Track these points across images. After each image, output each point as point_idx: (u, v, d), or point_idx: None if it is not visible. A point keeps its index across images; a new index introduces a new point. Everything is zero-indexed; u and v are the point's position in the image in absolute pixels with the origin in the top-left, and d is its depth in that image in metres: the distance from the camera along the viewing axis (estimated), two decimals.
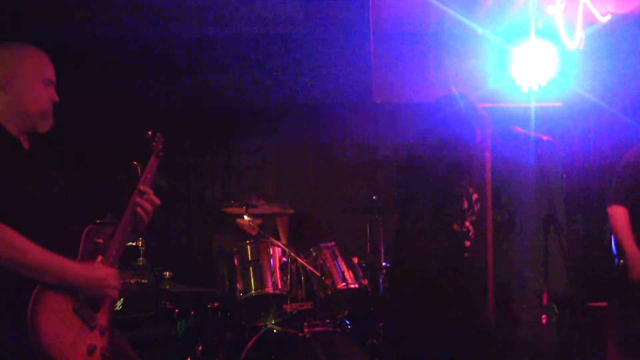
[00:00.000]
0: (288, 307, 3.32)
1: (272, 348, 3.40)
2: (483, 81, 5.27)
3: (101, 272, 1.95)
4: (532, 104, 5.17)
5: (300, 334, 3.26)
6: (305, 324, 3.29)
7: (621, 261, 3.22)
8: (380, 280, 3.97)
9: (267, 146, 5.29)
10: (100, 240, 2.03)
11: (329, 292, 3.47)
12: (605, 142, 4.97)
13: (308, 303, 3.37)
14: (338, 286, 3.49)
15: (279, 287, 3.40)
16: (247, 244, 3.54)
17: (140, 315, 3.57)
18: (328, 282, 3.48)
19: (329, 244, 3.65)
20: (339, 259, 3.60)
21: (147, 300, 3.60)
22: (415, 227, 3.07)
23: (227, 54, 5.27)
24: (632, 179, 3.35)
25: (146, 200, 2.16)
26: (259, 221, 4.04)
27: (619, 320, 3.35)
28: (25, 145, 2.02)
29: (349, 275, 3.56)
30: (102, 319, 1.95)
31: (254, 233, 3.96)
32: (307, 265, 3.46)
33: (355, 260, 3.68)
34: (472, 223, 3.05)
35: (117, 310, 2.14)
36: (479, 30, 5.12)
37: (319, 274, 3.45)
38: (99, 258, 1.99)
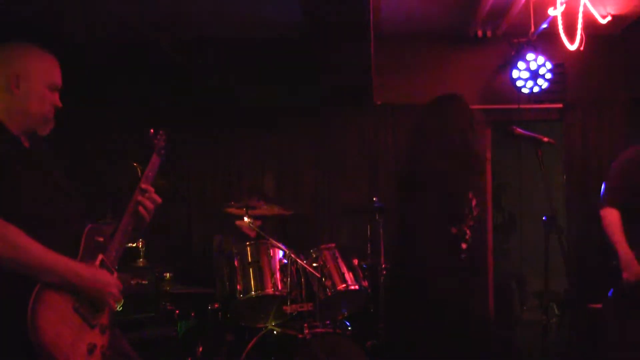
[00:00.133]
0: (288, 309, 3.32)
1: (272, 349, 3.40)
2: (484, 82, 5.28)
3: (105, 277, 1.94)
4: (533, 105, 5.19)
5: (300, 335, 3.26)
6: (306, 325, 3.28)
7: (614, 262, 3.23)
8: (381, 281, 3.97)
9: (268, 147, 5.29)
10: (101, 239, 2.03)
11: (329, 294, 3.47)
12: (605, 143, 4.98)
13: (308, 304, 3.37)
14: (338, 287, 3.49)
15: (279, 288, 3.40)
16: (247, 245, 3.54)
17: (141, 316, 3.57)
18: (328, 283, 3.48)
19: (329, 246, 3.65)
20: (339, 260, 3.60)
21: (147, 301, 3.60)
22: (416, 229, 3.06)
23: (227, 55, 5.28)
24: (624, 181, 3.35)
25: (148, 199, 2.15)
26: (258, 222, 4.04)
27: (613, 321, 3.34)
28: (26, 144, 2.02)
29: (349, 276, 3.56)
30: (102, 317, 1.95)
31: (253, 235, 3.96)
32: (307, 267, 3.46)
33: (356, 261, 3.68)
34: (469, 228, 3.05)
35: (117, 311, 2.13)
36: (480, 31, 5.13)
37: (319, 275, 3.45)
38: (100, 257, 1.98)
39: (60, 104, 2.07)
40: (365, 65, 4.62)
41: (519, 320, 5.62)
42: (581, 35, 4.29)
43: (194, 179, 5.25)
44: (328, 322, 3.56)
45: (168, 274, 3.66)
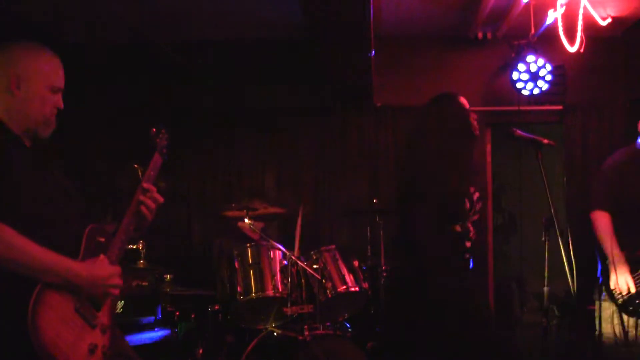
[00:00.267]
0: (288, 310, 3.32)
1: (272, 351, 3.39)
2: (484, 84, 5.28)
3: (103, 270, 1.94)
4: (533, 107, 5.19)
5: (300, 337, 3.26)
6: (306, 327, 3.28)
7: (605, 264, 3.24)
8: (381, 283, 3.97)
9: (268, 148, 5.30)
10: (102, 239, 2.02)
11: (330, 295, 3.47)
12: (606, 145, 4.98)
13: (308, 306, 3.37)
14: (339, 289, 3.49)
15: (280, 289, 3.39)
16: (248, 246, 3.54)
17: (141, 318, 3.57)
18: (328, 285, 3.48)
19: (330, 247, 3.65)
20: (340, 262, 3.60)
21: (147, 302, 3.60)
22: (417, 230, 3.05)
23: (227, 55, 5.28)
24: (614, 183, 3.35)
25: (150, 198, 2.14)
26: (260, 224, 4.04)
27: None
28: (27, 144, 2.02)
29: (349, 278, 3.56)
30: (103, 317, 1.95)
31: (255, 237, 3.96)
32: (308, 269, 3.45)
33: (356, 263, 3.68)
34: (473, 223, 3.04)
35: (117, 312, 2.13)
36: (480, 33, 5.14)
37: (319, 277, 3.45)
38: (101, 257, 1.98)
39: (62, 106, 2.06)
40: (365, 66, 4.62)
41: (519, 321, 5.62)
42: (581, 37, 4.29)
43: (194, 179, 5.26)
44: (328, 323, 3.56)
45: (168, 276, 3.66)
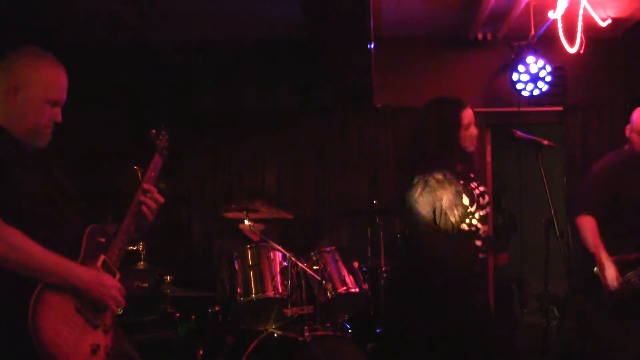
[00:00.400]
0: (289, 311, 3.32)
1: (272, 352, 3.39)
2: (484, 85, 5.29)
3: (107, 280, 1.94)
4: (533, 108, 5.19)
5: (300, 338, 3.26)
6: (306, 328, 3.28)
7: (594, 269, 3.25)
8: (381, 284, 3.97)
9: (268, 149, 5.30)
10: (103, 240, 2.03)
11: (330, 296, 3.47)
12: (606, 146, 4.98)
13: (308, 307, 3.37)
14: (339, 290, 3.49)
15: (280, 291, 3.39)
16: (248, 248, 3.54)
17: (141, 319, 3.57)
18: (328, 286, 3.48)
19: (329, 248, 3.65)
20: (340, 263, 3.60)
21: (147, 304, 3.60)
22: (421, 231, 3.05)
23: (227, 56, 5.29)
24: (601, 188, 3.35)
25: (150, 199, 2.15)
26: (261, 226, 4.04)
27: (599, 326, 3.35)
28: (28, 148, 2.02)
29: (349, 279, 3.56)
30: (105, 318, 1.95)
31: (255, 238, 3.96)
32: (308, 270, 3.45)
33: (356, 264, 3.68)
34: (481, 219, 3.02)
35: (118, 313, 2.13)
36: (480, 34, 5.14)
37: (319, 278, 3.45)
38: (102, 257, 1.98)
39: (60, 119, 2.03)
40: (365, 67, 4.62)
41: (519, 322, 5.61)
42: (581, 38, 4.29)
43: (194, 179, 5.26)
44: (328, 324, 3.56)
45: (168, 277, 3.66)
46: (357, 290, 3.55)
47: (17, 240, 1.76)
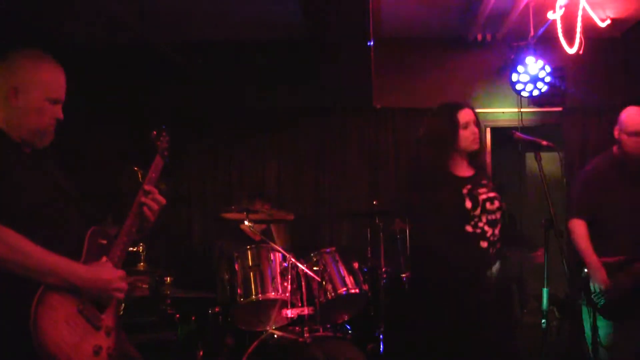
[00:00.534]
0: (288, 312, 3.32)
1: (272, 353, 3.39)
2: (484, 86, 5.29)
3: (107, 274, 1.94)
4: (533, 109, 5.20)
5: (300, 339, 3.25)
6: (306, 329, 3.28)
7: (584, 272, 3.25)
8: (381, 285, 3.97)
9: (268, 150, 5.30)
10: (104, 241, 2.03)
11: (330, 297, 3.47)
12: (605, 147, 4.98)
13: (309, 308, 3.36)
14: (339, 291, 3.48)
15: (280, 292, 3.39)
16: (248, 249, 3.54)
17: (141, 320, 3.57)
18: (329, 287, 3.48)
19: (329, 249, 3.65)
20: (340, 263, 3.60)
21: (147, 305, 3.60)
22: (427, 233, 3.06)
23: (227, 56, 5.29)
24: (588, 192, 3.36)
25: (152, 200, 2.16)
26: (262, 226, 4.04)
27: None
28: (28, 150, 2.03)
29: (349, 280, 3.56)
30: (107, 319, 1.95)
31: (256, 238, 3.96)
32: (308, 271, 3.45)
33: (356, 265, 3.68)
34: (489, 223, 3.03)
35: (119, 314, 2.14)
36: (480, 35, 5.15)
37: (319, 279, 3.45)
38: (103, 259, 1.99)
39: (61, 117, 2.05)
40: (365, 68, 4.63)
41: (519, 323, 5.61)
42: (580, 38, 4.30)
43: (194, 179, 5.26)
44: (328, 325, 3.56)
45: (168, 278, 3.66)
46: (357, 291, 3.55)
47: (16, 241, 1.77)
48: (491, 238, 3.03)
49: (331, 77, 4.91)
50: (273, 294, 3.38)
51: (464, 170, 3.12)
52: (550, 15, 4.27)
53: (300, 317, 3.35)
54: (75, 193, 2.10)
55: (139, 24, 4.64)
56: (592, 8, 4.28)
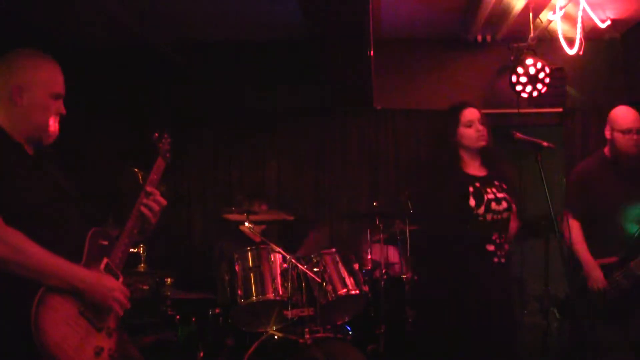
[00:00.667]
0: (289, 313, 3.32)
1: (273, 354, 3.39)
2: (483, 87, 5.29)
3: (109, 281, 1.95)
4: (533, 110, 5.20)
5: (301, 340, 3.26)
6: (306, 330, 3.28)
7: (581, 273, 3.26)
8: (382, 286, 3.97)
9: (268, 150, 5.30)
10: (106, 243, 2.04)
11: (330, 298, 3.47)
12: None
13: (309, 309, 3.37)
14: (339, 292, 3.48)
15: (280, 293, 3.39)
16: (248, 250, 3.54)
17: (142, 322, 3.57)
18: (329, 288, 3.48)
19: (330, 250, 3.65)
20: (340, 265, 3.60)
21: (148, 306, 3.60)
22: (433, 234, 3.09)
23: (227, 57, 5.29)
24: (579, 193, 3.36)
25: (153, 201, 2.17)
26: (261, 227, 4.04)
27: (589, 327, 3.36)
28: (30, 151, 2.04)
29: (349, 281, 3.56)
30: (109, 320, 1.95)
31: (256, 239, 3.96)
32: (308, 272, 3.45)
33: (356, 266, 3.68)
34: (495, 223, 3.04)
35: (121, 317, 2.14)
36: (480, 36, 5.15)
37: (319, 280, 3.45)
38: (105, 260, 1.99)
39: (64, 111, 2.08)
40: (365, 68, 4.63)
41: (520, 323, 5.61)
42: (580, 39, 4.30)
43: (194, 180, 5.26)
44: (329, 326, 3.56)
45: (169, 279, 3.66)
46: (357, 292, 3.55)
47: (19, 242, 1.77)
48: (497, 241, 3.04)
49: (331, 78, 4.91)
50: (273, 295, 3.38)
51: (476, 169, 3.16)
52: (550, 16, 4.27)
53: (300, 318, 3.35)
54: (75, 193, 2.11)
55: (139, 24, 4.64)
56: (592, 9, 4.28)
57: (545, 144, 2.88)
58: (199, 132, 5.24)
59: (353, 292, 3.53)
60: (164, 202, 2.20)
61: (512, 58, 4.87)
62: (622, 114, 3.42)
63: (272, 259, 3.51)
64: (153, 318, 3.61)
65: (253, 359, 3.27)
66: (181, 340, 3.63)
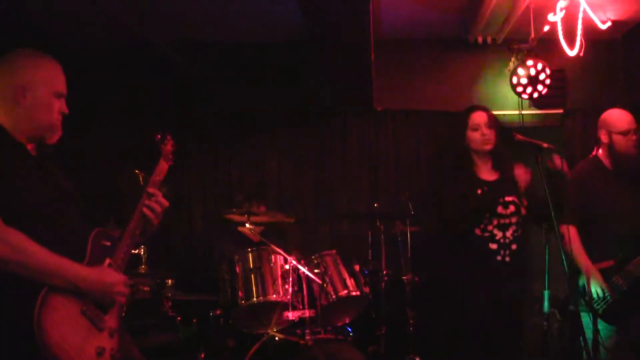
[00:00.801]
0: (290, 315, 3.32)
1: (273, 355, 3.39)
2: (484, 88, 5.29)
3: (110, 277, 1.95)
4: (533, 111, 5.20)
5: (302, 342, 3.26)
6: (307, 331, 3.28)
7: (581, 277, 3.26)
8: (382, 287, 3.98)
9: (268, 152, 5.30)
10: (108, 243, 2.05)
11: (331, 300, 3.47)
12: None
13: (310, 310, 3.37)
14: (340, 293, 3.49)
15: (281, 294, 3.39)
16: (249, 251, 3.54)
17: (142, 323, 3.57)
18: (330, 289, 3.48)
19: (331, 252, 3.65)
20: (341, 266, 3.60)
21: (148, 307, 3.60)
22: (439, 235, 3.12)
23: (227, 58, 5.29)
24: (574, 197, 3.37)
25: (155, 203, 2.18)
26: (260, 228, 4.04)
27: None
28: (33, 152, 2.05)
29: (350, 282, 3.56)
30: (111, 321, 1.96)
31: (256, 240, 3.96)
32: (309, 273, 3.45)
33: (357, 267, 3.68)
34: (500, 227, 3.06)
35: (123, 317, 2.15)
36: (480, 37, 5.15)
37: (320, 282, 3.45)
38: (107, 260, 2.00)
39: (67, 110, 2.10)
40: (365, 69, 4.62)
41: (521, 326, 5.60)
42: (581, 40, 4.30)
43: (194, 180, 5.25)
44: (330, 328, 3.56)
45: (170, 281, 3.66)
46: (358, 293, 3.56)
47: (20, 242, 1.78)
48: (501, 241, 3.06)
49: (331, 78, 4.90)
50: (274, 296, 3.38)
51: (487, 173, 3.20)
52: (550, 17, 4.27)
53: (301, 319, 3.35)
54: (77, 194, 2.12)
55: (139, 25, 4.63)
56: (593, 10, 4.29)
57: (545, 145, 2.89)
58: (199, 132, 5.24)
59: (354, 293, 3.54)
60: (166, 203, 2.22)
61: (512, 59, 4.87)
62: (618, 116, 3.42)
63: (273, 260, 3.51)
64: (154, 319, 3.61)
65: None
66: (182, 342, 3.62)
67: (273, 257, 3.52)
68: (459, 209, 3.07)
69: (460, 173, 3.16)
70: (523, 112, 5.10)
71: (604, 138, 3.41)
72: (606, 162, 3.41)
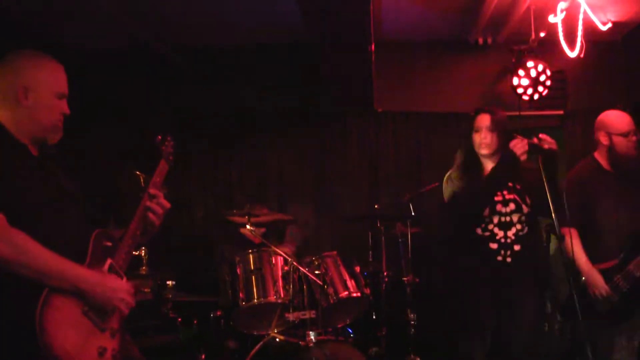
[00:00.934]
0: (290, 316, 3.32)
1: (274, 357, 3.39)
2: (484, 89, 5.29)
3: (113, 282, 1.95)
4: (534, 112, 5.20)
5: (302, 343, 3.25)
6: (308, 332, 3.28)
7: (582, 279, 3.26)
8: (383, 288, 3.98)
9: (269, 154, 5.30)
10: (109, 244, 2.04)
11: (332, 301, 3.47)
12: None
13: (310, 312, 3.36)
14: (341, 295, 3.48)
15: (282, 295, 3.39)
16: (250, 252, 3.54)
17: (143, 324, 3.57)
18: (330, 290, 3.48)
19: (331, 253, 3.65)
20: (341, 267, 3.60)
21: (149, 309, 3.59)
22: (443, 236, 3.13)
23: (228, 60, 5.29)
24: (572, 200, 3.36)
25: (156, 204, 2.17)
26: (261, 230, 4.04)
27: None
28: (34, 152, 2.04)
29: (351, 283, 3.56)
30: (112, 321, 1.95)
31: (257, 241, 3.96)
32: (309, 274, 3.45)
33: (358, 268, 3.68)
34: (500, 225, 3.06)
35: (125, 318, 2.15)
36: (481, 39, 5.15)
37: (321, 283, 3.45)
38: (108, 261, 1.99)
39: (68, 111, 2.09)
40: (365, 71, 4.63)
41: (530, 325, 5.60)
42: (581, 42, 4.31)
43: (194, 181, 5.25)
44: (330, 329, 3.56)
45: (170, 282, 3.65)
46: (359, 294, 3.55)
47: (22, 243, 1.77)
48: (502, 240, 3.06)
49: (332, 80, 4.91)
50: (275, 297, 3.38)
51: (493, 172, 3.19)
52: (551, 18, 4.27)
53: (302, 320, 3.35)
54: (78, 194, 2.12)
55: (139, 26, 4.63)
56: (593, 11, 4.29)
57: (546, 146, 2.89)
58: (199, 132, 5.24)
59: (355, 294, 3.54)
60: (167, 204, 2.21)
61: (513, 60, 4.87)
62: (618, 118, 3.41)
63: (274, 262, 3.51)
64: (155, 320, 3.60)
65: None
66: (183, 343, 3.62)
67: (274, 258, 3.52)
68: (464, 195, 3.09)
69: (466, 172, 3.18)
70: (523, 113, 5.10)
71: (603, 140, 3.39)
72: (604, 163, 3.40)
